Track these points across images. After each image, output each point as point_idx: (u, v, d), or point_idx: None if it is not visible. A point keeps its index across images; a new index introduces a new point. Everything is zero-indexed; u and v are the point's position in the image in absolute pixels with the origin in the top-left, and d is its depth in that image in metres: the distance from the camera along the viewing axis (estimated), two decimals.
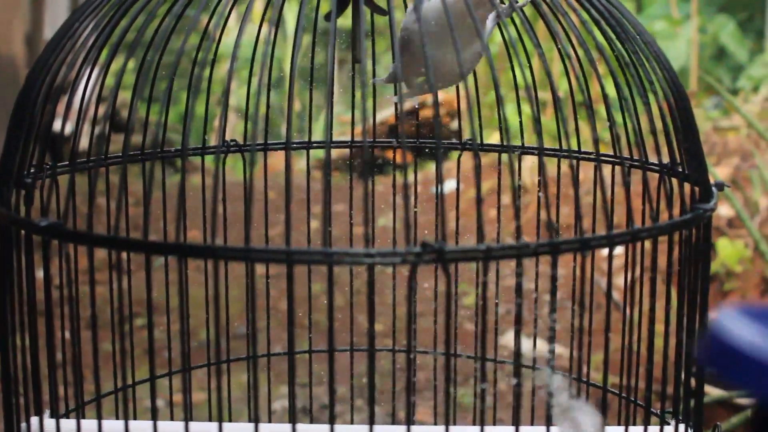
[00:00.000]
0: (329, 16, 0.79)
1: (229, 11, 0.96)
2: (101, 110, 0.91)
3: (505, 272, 1.14)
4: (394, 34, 0.73)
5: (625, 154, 0.88)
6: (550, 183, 0.65)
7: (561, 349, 2.14)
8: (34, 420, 0.73)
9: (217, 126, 0.91)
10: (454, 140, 1.04)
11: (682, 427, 0.77)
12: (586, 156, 0.94)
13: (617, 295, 2.40)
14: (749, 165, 3.27)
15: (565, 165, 0.94)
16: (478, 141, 1.02)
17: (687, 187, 0.77)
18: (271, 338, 1.08)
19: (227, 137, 1.18)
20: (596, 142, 0.67)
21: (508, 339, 2.31)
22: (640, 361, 0.85)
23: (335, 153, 1.23)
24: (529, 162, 2.82)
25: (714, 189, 0.76)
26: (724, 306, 0.39)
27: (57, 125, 0.76)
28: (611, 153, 0.89)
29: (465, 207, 1.22)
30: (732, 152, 3.43)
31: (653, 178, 0.80)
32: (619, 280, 2.48)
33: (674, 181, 0.78)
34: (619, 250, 2.31)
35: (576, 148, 0.94)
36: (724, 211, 2.96)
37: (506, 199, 2.57)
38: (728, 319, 0.38)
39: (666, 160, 0.79)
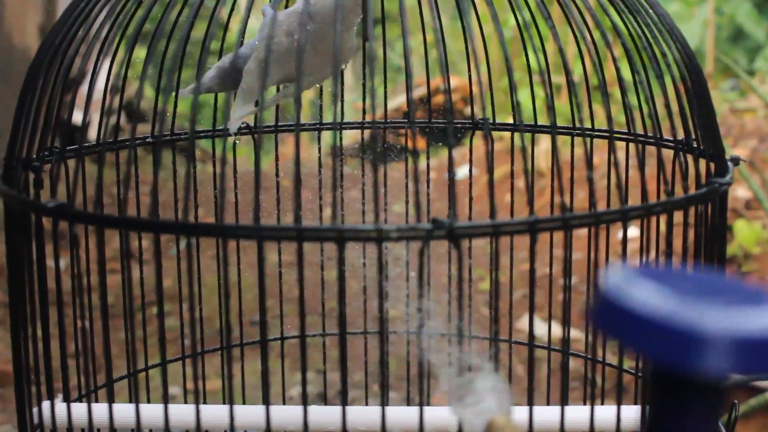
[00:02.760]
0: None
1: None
2: (110, 99, 0.90)
3: (520, 256, 1.13)
4: (404, 18, 0.73)
5: (639, 131, 0.87)
6: (564, 167, 0.65)
7: (577, 333, 2.13)
8: (46, 404, 0.73)
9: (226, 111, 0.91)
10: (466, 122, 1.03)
11: None
12: (600, 134, 0.93)
13: None
14: (766, 146, 3.25)
15: (579, 148, 0.93)
16: (491, 120, 1.01)
17: (702, 163, 0.76)
18: (285, 325, 1.07)
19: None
20: (609, 118, 0.66)
21: (523, 323, 2.30)
22: None
23: (347, 139, 1.22)
24: (543, 146, 2.81)
25: (729, 164, 0.75)
26: (612, 267, 0.39)
27: (70, 115, 0.76)
28: (625, 131, 0.88)
29: (478, 192, 1.21)
30: (749, 134, 3.40)
31: (669, 157, 0.79)
32: (634, 263, 2.46)
33: (689, 157, 0.77)
34: (634, 232, 2.29)
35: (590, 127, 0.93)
36: (741, 192, 2.94)
37: (520, 183, 2.55)
38: (619, 280, 0.37)
39: (681, 136, 0.78)
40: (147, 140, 0.92)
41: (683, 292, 0.36)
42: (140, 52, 0.86)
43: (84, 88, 0.76)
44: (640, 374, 0.85)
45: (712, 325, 0.34)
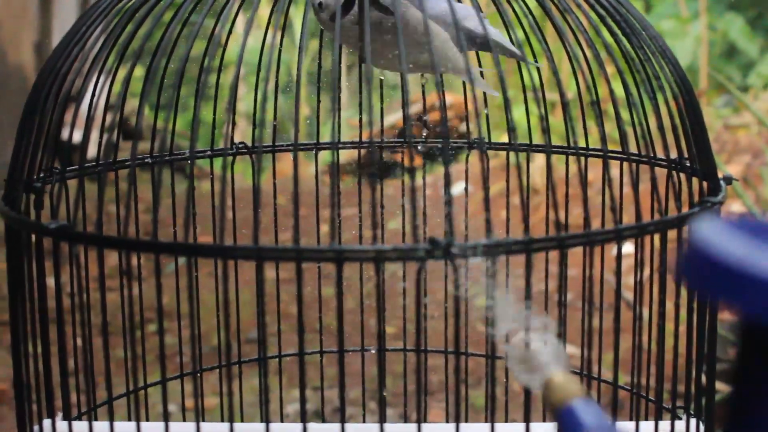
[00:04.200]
0: (334, 17, 0.79)
1: (235, 16, 0.96)
2: (109, 118, 0.91)
3: (516, 272, 1.14)
4: (400, 36, 0.74)
5: (633, 150, 0.88)
6: (559, 183, 0.66)
7: (572, 349, 2.14)
8: (47, 423, 0.74)
9: (225, 131, 0.92)
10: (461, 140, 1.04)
11: (693, 422, 0.77)
12: (594, 153, 0.94)
13: (628, 294, 2.39)
14: (760, 162, 3.26)
15: (574, 166, 0.94)
16: (486, 138, 1.02)
17: (695, 182, 0.77)
18: (282, 342, 1.08)
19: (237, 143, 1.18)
20: (603, 139, 0.67)
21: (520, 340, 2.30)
22: (651, 359, 0.85)
23: (344, 157, 1.23)
24: (538, 164, 2.82)
25: (722, 182, 0.76)
26: (706, 219, 0.37)
27: (66, 134, 0.77)
28: (619, 150, 0.89)
29: (474, 209, 1.22)
30: (743, 150, 3.42)
31: (662, 176, 0.80)
32: (629, 280, 2.47)
33: (682, 176, 0.78)
34: (628, 249, 2.31)
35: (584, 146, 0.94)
36: (735, 208, 2.96)
37: (515, 200, 2.56)
38: (712, 232, 0.35)
39: (674, 155, 0.79)
40: (146, 160, 0.93)
41: None
42: (138, 72, 0.87)
43: (83, 108, 0.76)
44: (634, 391, 0.86)
45: None
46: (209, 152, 1.01)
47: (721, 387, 2.10)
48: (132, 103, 3.59)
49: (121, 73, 0.81)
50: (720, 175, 0.78)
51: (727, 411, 0.38)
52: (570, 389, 0.58)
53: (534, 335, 0.62)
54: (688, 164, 0.78)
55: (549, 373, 0.60)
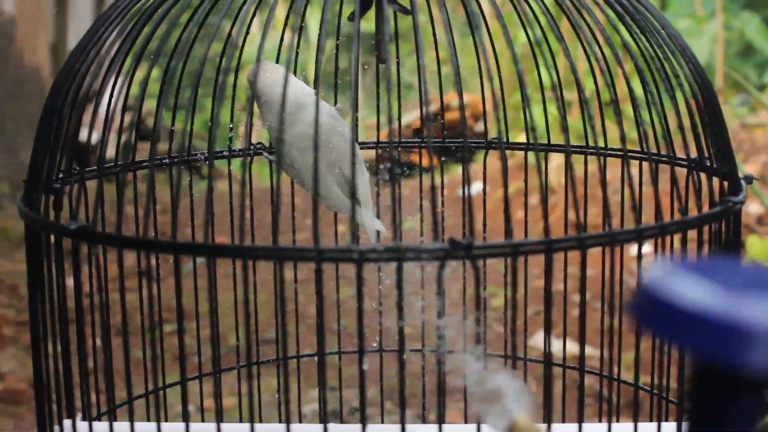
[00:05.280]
0: (353, 16, 0.79)
1: (251, 18, 0.96)
2: (127, 119, 0.92)
3: (534, 272, 1.14)
4: (419, 35, 0.73)
5: (653, 150, 0.88)
6: (577, 183, 0.65)
7: (591, 350, 2.13)
8: (67, 423, 0.74)
9: (243, 132, 0.92)
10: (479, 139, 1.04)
11: None
12: (613, 152, 0.93)
13: None
14: None
15: (592, 165, 0.93)
16: (504, 138, 1.02)
17: (716, 182, 0.77)
18: (300, 342, 1.08)
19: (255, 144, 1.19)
20: (623, 139, 0.67)
21: (537, 341, 2.29)
22: (672, 359, 0.85)
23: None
24: (556, 163, 2.82)
25: (743, 182, 0.75)
26: (657, 262, 0.38)
27: (84, 135, 0.77)
28: (639, 149, 0.88)
29: (492, 208, 1.21)
30: (760, 149, 3.40)
31: (682, 175, 0.79)
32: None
33: (703, 176, 0.78)
34: (647, 248, 2.29)
35: (603, 146, 0.94)
36: (753, 208, 2.94)
37: (533, 200, 2.56)
38: (662, 273, 0.35)
39: (694, 155, 0.78)
40: (164, 161, 0.93)
41: (728, 285, 0.35)
42: (155, 73, 0.87)
43: (101, 110, 0.77)
44: (655, 392, 0.85)
45: (758, 318, 0.33)
46: (227, 153, 1.01)
47: None
48: (149, 105, 3.60)
49: (139, 75, 0.82)
50: (740, 175, 0.77)
51: None
52: None
53: (499, 378, 0.61)
54: (708, 163, 0.78)
55: (514, 416, 0.60)
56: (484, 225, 1.06)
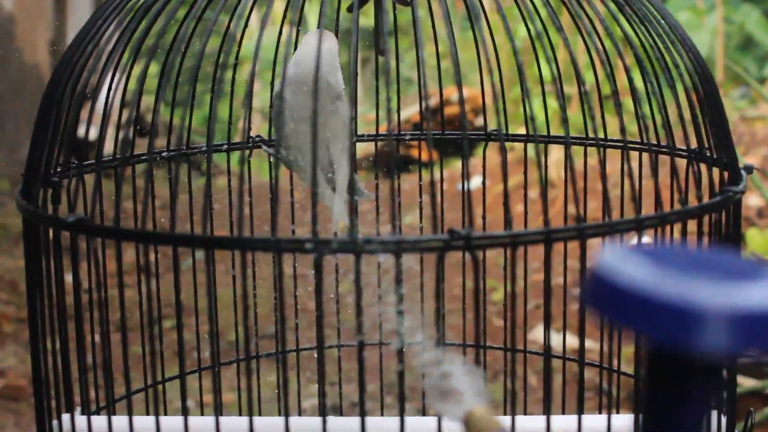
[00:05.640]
0: (352, 8, 0.79)
1: (249, 13, 0.96)
2: (125, 114, 0.91)
3: (534, 266, 1.14)
4: (418, 29, 0.73)
5: (652, 140, 0.87)
6: (577, 177, 0.65)
7: (590, 344, 2.13)
8: (66, 417, 0.74)
9: (242, 127, 0.92)
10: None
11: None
12: (613, 144, 0.93)
13: None
14: None
15: (592, 159, 0.93)
16: (504, 131, 1.02)
17: (716, 172, 0.77)
18: (300, 337, 1.08)
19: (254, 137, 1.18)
20: (623, 129, 0.67)
21: (537, 334, 2.29)
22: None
23: (360, 152, 1.22)
24: (555, 156, 2.81)
25: (743, 172, 0.75)
26: (608, 246, 0.37)
27: (82, 131, 0.77)
28: (639, 141, 0.88)
29: (492, 202, 1.21)
30: (760, 142, 3.40)
31: (682, 167, 0.79)
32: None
33: (703, 166, 0.78)
34: (646, 240, 2.29)
35: (603, 137, 0.94)
36: (753, 200, 2.94)
37: (533, 193, 2.55)
38: (614, 259, 0.35)
39: (694, 145, 0.78)
40: (163, 155, 0.93)
41: (679, 268, 0.35)
42: (153, 68, 0.87)
43: (99, 104, 0.76)
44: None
45: (709, 301, 0.33)
46: (226, 146, 1.01)
47: (743, 380, 2.09)
48: (147, 100, 3.60)
49: (136, 70, 0.81)
50: (740, 165, 0.77)
51: (642, 419, 0.38)
52: (489, 423, 0.58)
53: (455, 366, 0.61)
54: (708, 154, 0.78)
55: (469, 406, 0.59)
56: (484, 219, 1.06)
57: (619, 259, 0.35)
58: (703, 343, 0.33)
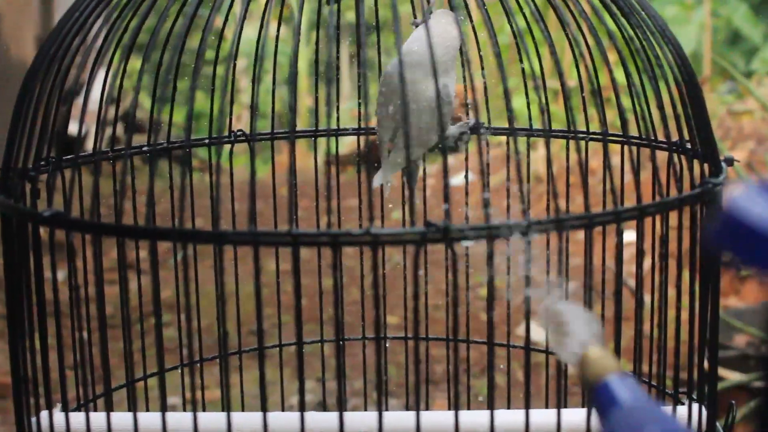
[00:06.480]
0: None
1: (229, 7, 0.95)
2: (109, 111, 0.91)
3: (516, 260, 1.13)
4: (397, 24, 0.73)
5: (634, 134, 0.87)
6: (560, 173, 0.65)
7: None
8: (44, 414, 0.73)
9: (227, 120, 0.92)
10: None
11: (696, 407, 0.76)
12: (594, 136, 0.93)
13: (631, 282, 2.38)
14: (764, 148, 3.25)
15: (575, 153, 0.93)
16: (487, 125, 1.01)
17: (697, 166, 0.76)
18: (283, 333, 1.07)
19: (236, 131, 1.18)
20: (604, 119, 0.67)
21: (522, 330, 2.29)
22: (653, 345, 0.85)
23: (345, 148, 1.22)
24: (540, 153, 2.81)
25: (723, 164, 0.75)
26: (740, 185, 0.36)
27: (66, 126, 0.76)
28: (620, 134, 0.88)
29: (476, 199, 1.21)
30: (747, 136, 3.41)
31: (663, 159, 0.79)
32: (632, 268, 2.46)
33: (683, 159, 0.77)
34: (630, 237, 2.29)
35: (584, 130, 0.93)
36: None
37: (516, 189, 2.54)
38: (745, 198, 0.34)
39: (675, 138, 0.78)
40: (143, 149, 0.92)
41: None
42: (135, 63, 0.86)
43: (80, 99, 0.76)
44: (637, 376, 0.85)
45: None
46: (207, 140, 1.00)
47: (724, 373, 2.09)
48: (130, 95, 3.58)
49: (116, 62, 0.81)
50: (721, 157, 0.77)
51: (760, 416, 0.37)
52: (606, 365, 0.57)
53: (569, 311, 0.61)
54: (689, 146, 0.77)
55: (585, 349, 0.59)
56: (467, 217, 1.05)
57: (751, 198, 0.34)
58: None
